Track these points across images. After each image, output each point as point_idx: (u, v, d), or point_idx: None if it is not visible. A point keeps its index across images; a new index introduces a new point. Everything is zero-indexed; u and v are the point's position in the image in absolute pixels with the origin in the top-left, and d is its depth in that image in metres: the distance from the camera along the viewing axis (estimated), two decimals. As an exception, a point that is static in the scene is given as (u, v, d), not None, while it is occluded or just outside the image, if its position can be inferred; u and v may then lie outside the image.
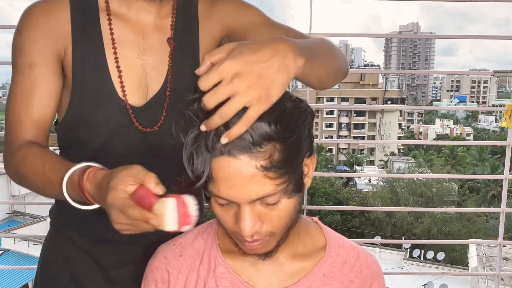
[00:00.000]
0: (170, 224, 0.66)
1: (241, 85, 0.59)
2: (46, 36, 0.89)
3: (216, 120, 0.61)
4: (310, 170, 0.74)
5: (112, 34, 0.92)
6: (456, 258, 17.82)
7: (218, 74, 0.60)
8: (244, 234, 0.68)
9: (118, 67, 0.91)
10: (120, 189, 0.67)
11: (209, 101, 0.61)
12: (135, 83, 0.93)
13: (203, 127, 0.63)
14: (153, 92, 0.94)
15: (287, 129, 0.65)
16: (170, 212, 0.66)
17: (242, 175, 0.64)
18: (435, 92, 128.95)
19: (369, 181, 27.37)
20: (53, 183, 0.80)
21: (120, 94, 0.92)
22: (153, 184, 0.67)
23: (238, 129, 0.61)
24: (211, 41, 1.01)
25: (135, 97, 0.93)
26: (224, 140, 0.61)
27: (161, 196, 0.67)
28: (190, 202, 0.68)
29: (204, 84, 0.61)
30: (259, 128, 0.63)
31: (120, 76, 0.91)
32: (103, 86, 0.91)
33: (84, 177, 0.74)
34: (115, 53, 0.91)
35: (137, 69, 0.93)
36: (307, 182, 0.74)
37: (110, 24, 0.92)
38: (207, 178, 0.66)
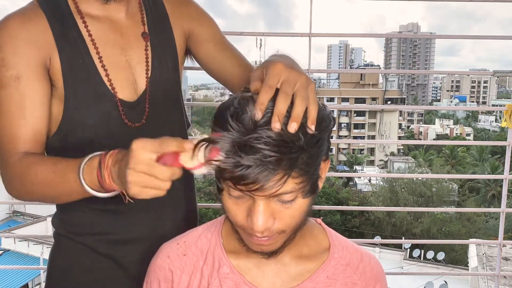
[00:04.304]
0: (195, 159, 0.65)
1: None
2: (28, 46, 0.87)
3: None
4: (323, 174, 0.75)
5: (90, 35, 0.93)
6: (456, 258, 17.82)
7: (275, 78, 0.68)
8: (256, 229, 0.68)
9: (103, 66, 0.92)
10: (142, 153, 0.66)
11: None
12: (124, 80, 0.95)
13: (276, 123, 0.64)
14: (142, 86, 0.97)
15: (314, 136, 0.67)
16: (201, 151, 0.65)
17: None
18: (435, 92, 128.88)
19: (369, 181, 27.36)
20: (67, 172, 0.78)
21: (112, 92, 0.93)
22: (175, 146, 0.65)
23: (314, 112, 0.67)
24: (182, 38, 1.07)
25: (126, 93, 0.95)
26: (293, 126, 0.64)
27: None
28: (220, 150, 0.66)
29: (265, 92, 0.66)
30: (291, 139, 0.64)
31: (107, 75, 0.93)
32: (95, 87, 0.92)
33: (107, 156, 0.73)
34: (98, 53, 0.92)
35: (123, 66, 0.95)
36: (320, 185, 0.75)
37: (86, 26, 0.93)
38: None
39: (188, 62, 1.16)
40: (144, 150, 0.65)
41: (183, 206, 1.05)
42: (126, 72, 0.95)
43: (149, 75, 0.98)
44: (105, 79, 0.93)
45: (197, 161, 0.65)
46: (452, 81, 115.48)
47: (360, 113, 48.08)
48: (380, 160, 43.69)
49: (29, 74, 0.87)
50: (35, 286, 12.35)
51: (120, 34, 0.96)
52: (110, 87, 0.93)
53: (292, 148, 0.64)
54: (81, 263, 0.99)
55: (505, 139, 1.83)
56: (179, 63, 1.05)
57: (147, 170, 0.65)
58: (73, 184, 0.77)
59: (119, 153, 0.72)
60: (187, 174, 1.07)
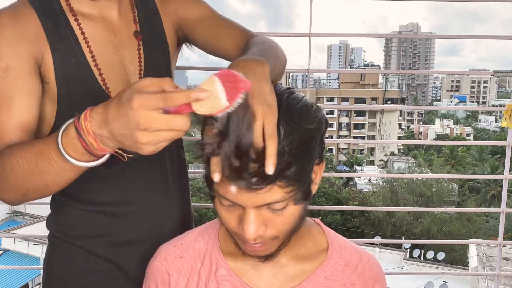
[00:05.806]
0: (223, 99, 0.56)
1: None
2: (20, 39, 0.84)
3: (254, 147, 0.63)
4: (318, 177, 0.74)
5: (83, 33, 0.91)
6: (456, 258, 17.81)
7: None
8: (248, 237, 0.68)
9: (96, 65, 0.91)
10: (146, 112, 0.57)
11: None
12: (117, 79, 0.93)
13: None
14: None
15: (301, 145, 0.65)
16: (219, 87, 0.57)
17: None
18: (435, 92, 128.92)
19: (369, 181, 27.35)
20: (46, 152, 0.70)
21: (106, 92, 0.92)
22: (172, 86, 0.58)
23: (273, 149, 0.61)
24: (173, 33, 1.05)
25: None
26: (271, 170, 0.61)
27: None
28: (237, 73, 0.58)
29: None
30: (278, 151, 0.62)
31: (101, 74, 0.91)
32: (89, 86, 0.90)
33: (81, 122, 0.64)
34: (91, 51, 0.91)
35: (116, 65, 0.94)
36: (314, 188, 0.74)
37: (78, 24, 0.91)
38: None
39: (189, 62, 1.16)
40: (147, 108, 0.57)
41: (178, 208, 1.03)
42: (119, 72, 0.94)
43: (142, 75, 0.97)
44: (98, 78, 0.91)
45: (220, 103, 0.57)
46: (452, 81, 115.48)
47: (360, 113, 48.07)
48: (380, 160, 43.68)
49: (19, 66, 0.84)
50: (35, 286, 12.36)
51: (113, 33, 0.95)
52: (104, 87, 0.91)
53: (279, 161, 0.62)
54: (80, 266, 0.98)
55: (505, 139, 1.83)
56: (171, 61, 1.04)
57: (163, 126, 0.58)
58: (58, 163, 0.69)
59: (95, 113, 0.64)
60: (180, 176, 1.07)
